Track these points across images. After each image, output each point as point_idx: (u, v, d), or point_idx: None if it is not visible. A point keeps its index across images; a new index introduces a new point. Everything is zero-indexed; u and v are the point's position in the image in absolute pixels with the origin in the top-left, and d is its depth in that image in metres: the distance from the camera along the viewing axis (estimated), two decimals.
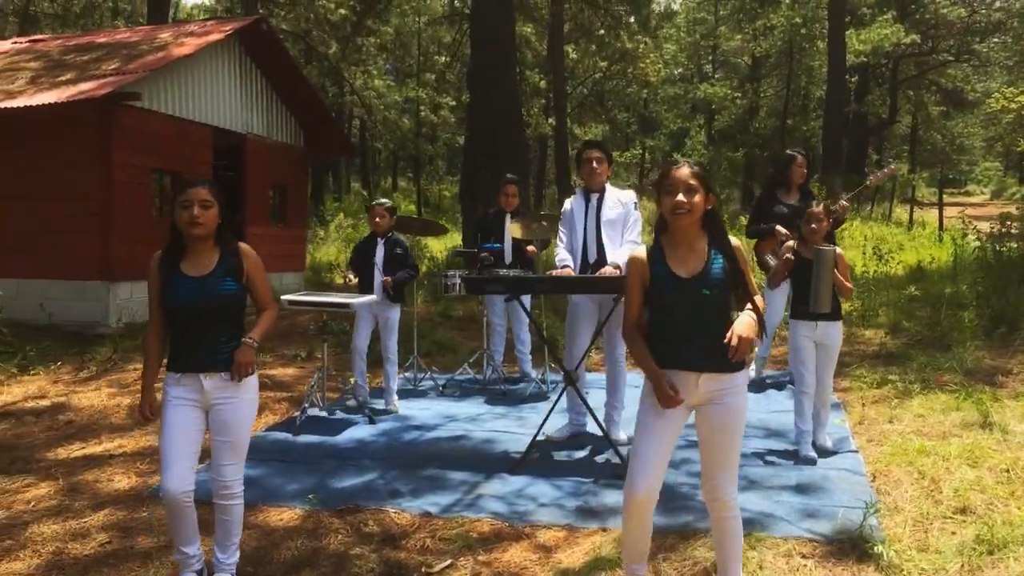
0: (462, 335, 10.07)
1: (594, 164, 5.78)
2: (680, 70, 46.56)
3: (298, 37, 23.55)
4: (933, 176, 43.03)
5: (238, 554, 3.81)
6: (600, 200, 5.82)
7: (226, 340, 3.57)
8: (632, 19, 22.71)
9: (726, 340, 3.05)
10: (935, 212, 23.75)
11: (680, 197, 3.10)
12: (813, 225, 5.32)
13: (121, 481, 5.26)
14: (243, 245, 3.69)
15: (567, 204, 6.03)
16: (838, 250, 5.30)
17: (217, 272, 3.56)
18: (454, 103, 22.71)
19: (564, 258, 5.86)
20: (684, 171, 3.13)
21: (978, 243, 11.48)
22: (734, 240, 3.23)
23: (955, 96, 39.55)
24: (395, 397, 7.03)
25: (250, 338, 3.56)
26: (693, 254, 3.18)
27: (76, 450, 5.95)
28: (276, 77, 14.06)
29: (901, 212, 24.76)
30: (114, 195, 10.60)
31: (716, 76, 45.37)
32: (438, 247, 19.08)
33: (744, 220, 18.18)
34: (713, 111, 43.55)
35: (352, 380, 7.04)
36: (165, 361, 3.70)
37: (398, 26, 29.34)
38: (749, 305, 3.17)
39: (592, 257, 5.78)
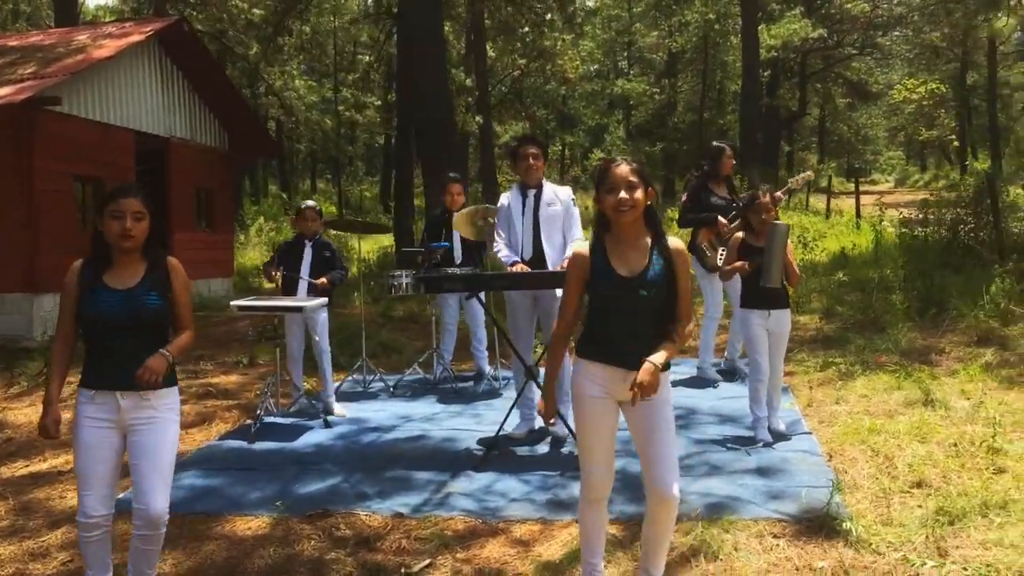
0: (405, 335, 10.02)
1: (531, 160, 5.75)
2: (596, 67, 47.09)
3: (213, 37, 23.03)
4: (840, 166, 44.48)
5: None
6: (538, 196, 5.79)
7: (146, 357, 3.30)
8: (549, 16, 22.80)
9: (629, 387, 3.04)
10: (847, 200, 24.53)
11: (623, 194, 3.10)
12: (763, 216, 5.46)
13: (74, 498, 5.05)
14: (172, 260, 3.50)
15: (503, 200, 5.97)
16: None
17: (143, 285, 3.37)
18: (379, 102, 22.54)
19: (509, 255, 5.81)
20: (624, 168, 3.13)
21: (903, 230, 11.92)
22: (676, 242, 3.22)
23: (860, 88, 41.03)
24: (333, 399, 6.90)
25: (166, 350, 3.33)
26: (635, 252, 3.19)
27: (20, 468, 5.73)
28: (197, 79, 13.76)
29: (815, 201, 25.48)
30: (36, 204, 10.25)
31: (632, 72, 46.05)
32: (365, 247, 18.91)
33: (671, 213, 18.53)
34: (631, 107, 44.16)
35: (301, 381, 6.96)
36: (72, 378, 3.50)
37: (314, 25, 28.94)
38: (668, 338, 3.15)
39: (528, 254, 5.74)
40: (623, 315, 3.17)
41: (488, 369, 7.93)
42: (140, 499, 3.36)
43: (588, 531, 3.41)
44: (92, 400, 3.35)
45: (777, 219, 5.49)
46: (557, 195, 5.83)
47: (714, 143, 7.52)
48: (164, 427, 3.40)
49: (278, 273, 6.77)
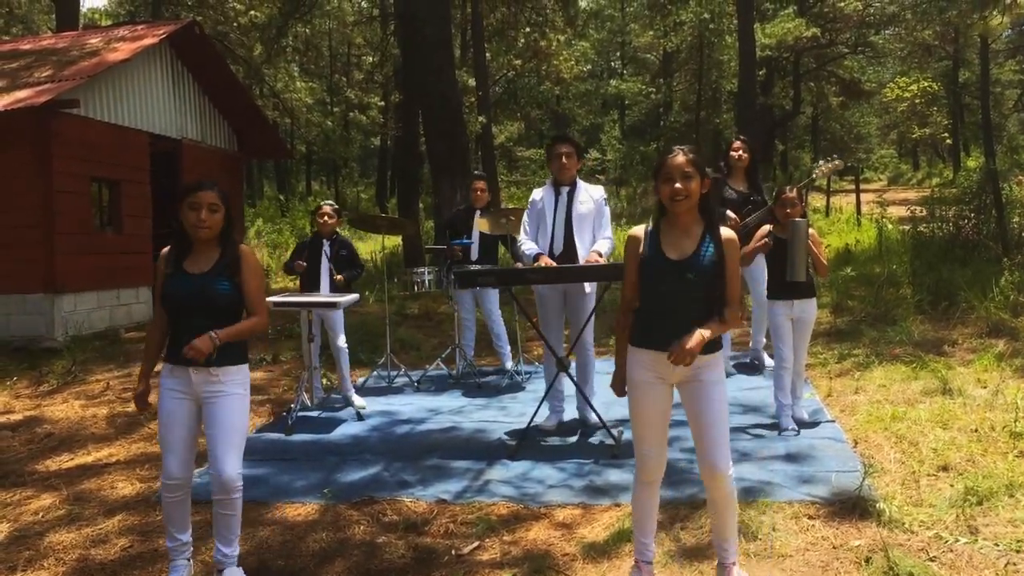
0: (421, 332, 10.17)
1: (563, 160, 5.89)
2: (589, 67, 47.25)
3: (214, 39, 23.10)
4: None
5: (239, 547, 3.85)
6: (571, 194, 5.93)
7: None
8: (552, 16, 22.91)
9: (669, 350, 3.21)
10: (844, 198, 24.75)
11: (677, 184, 3.25)
12: (788, 209, 5.63)
13: (125, 488, 5.23)
14: (244, 248, 3.79)
15: (535, 195, 6.11)
16: (812, 231, 5.61)
17: (213, 271, 3.67)
18: (382, 103, 22.66)
19: (532, 248, 5.95)
20: (680, 159, 3.27)
21: (904, 226, 12.12)
22: (728, 233, 3.36)
23: (852, 87, 41.13)
24: (354, 395, 7.05)
25: (214, 333, 3.57)
26: (687, 239, 3.33)
27: (66, 461, 5.87)
28: (207, 81, 13.86)
29: (814, 199, 25.68)
30: (55, 206, 10.35)
31: (626, 72, 46.22)
32: (364, 249, 19.11)
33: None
34: (625, 106, 44.31)
35: (319, 379, 7.12)
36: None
37: (312, 27, 29.03)
38: (717, 317, 3.30)
39: (558, 250, 5.89)
40: (670, 300, 3.29)
41: (510, 364, 8.08)
42: (212, 465, 3.68)
43: (641, 512, 3.55)
44: (171, 374, 3.68)
45: (803, 215, 5.65)
46: (590, 194, 5.98)
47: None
48: (231, 400, 3.69)
49: (303, 264, 6.95)
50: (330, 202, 7.22)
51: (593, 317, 6.01)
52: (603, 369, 7.43)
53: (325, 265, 6.96)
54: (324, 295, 6.73)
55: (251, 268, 3.74)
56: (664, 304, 3.32)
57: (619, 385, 3.54)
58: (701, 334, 3.20)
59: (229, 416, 3.66)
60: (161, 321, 3.78)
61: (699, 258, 3.28)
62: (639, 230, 3.43)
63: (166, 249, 3.77)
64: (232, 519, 3.75)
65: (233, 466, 3.66)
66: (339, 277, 6.87)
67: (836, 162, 7.11)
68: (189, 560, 3.86)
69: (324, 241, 7.04)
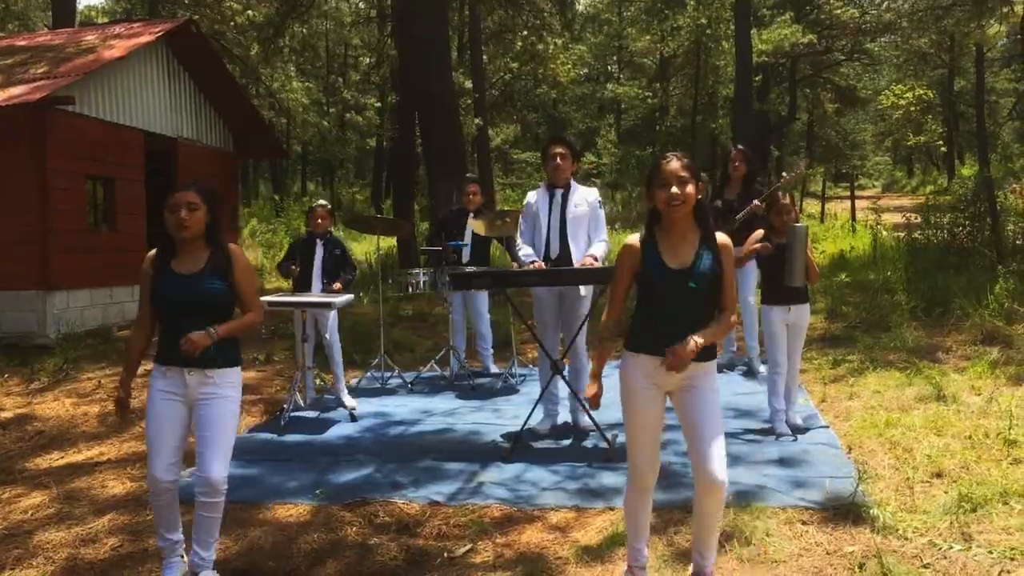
0: (416, 334, 10.15)
1: (558, 160, 5.82)
2: (586, 71, 47.30)
3: (210, 38, 23.09)
4: (828, 171, 44.80)
5: (215, 552, 3.81)
6: (565, 196, 5.86)
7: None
8: (549, 20, 22.92)
9: (666, 354, 3.18)
10: (838, 204, 24.81)
11: (674, 189, 3.22)
12: (784, 216, 5.63)
13: (115, 487, 5.20)
14: (233, 246, 3.77)
15: (530, 197, 6.05)
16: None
17: (205, 270, 3.64)
18: (378, 104, 22.64)
19: (529, 253, 5.89)
20: (675, 164, 3.24)
21: (898, 233, 12.15)
22: (723, 239, 3.35)
23: (848, 94, 41.24)
24: (346, 395, 7.04)
25: (212, 328, 3.56)
26: (685, 245, 3.31)
27: (56, 459, 5.84)
28: (203, 80, 13.82)
29: (809, 205, 25.73)
30: (49, 202, 10.30)
31: (623, 76, 46.30)
32: (359, 250, 19.13)
33: None
34: (621, 110, 44.38)
35: (312, 379, 7.12)
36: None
37: (309, 27, 29.02)
38: (713, 323, 3.30)
39: (555, 252, 5.83)
40: (672, 307, 3.28)
41: (494, 368, 8.07)
42: (201, 466, 3.65)
43: (634, 518, 3.53)
44: (163, 375, 3.65)
45: (797, 221, 5.65)
46: (584, 196, 5.92)
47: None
48: (224, 403, 3.67)
49: (297, 268, 6.95)
50: (323, 202, 7.24)
51: (588, 321, 5.98)
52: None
53: (318, 266, 6.97)
54: (316, 295, 6.73)
55: (242, 266, 3.73)
56: (666, 312, 3.30)
57: (597, 396, 3.48)
58: (695, 341, 3.18)
59: (220, 419, 3.64)
60: (146, 324, 3.76)
61: (698, 265, 3.26)
62: (635, 239, 3.38)
63: (152, 252, 3.74)
64: (213, 522, 3.71)
65: (220, 469, 3.63)
66: (337, 285, 6.88)
67: (799, 168, 7.19)
68: (183, 557, 3.84)
69: (317, 241, 7.06)
